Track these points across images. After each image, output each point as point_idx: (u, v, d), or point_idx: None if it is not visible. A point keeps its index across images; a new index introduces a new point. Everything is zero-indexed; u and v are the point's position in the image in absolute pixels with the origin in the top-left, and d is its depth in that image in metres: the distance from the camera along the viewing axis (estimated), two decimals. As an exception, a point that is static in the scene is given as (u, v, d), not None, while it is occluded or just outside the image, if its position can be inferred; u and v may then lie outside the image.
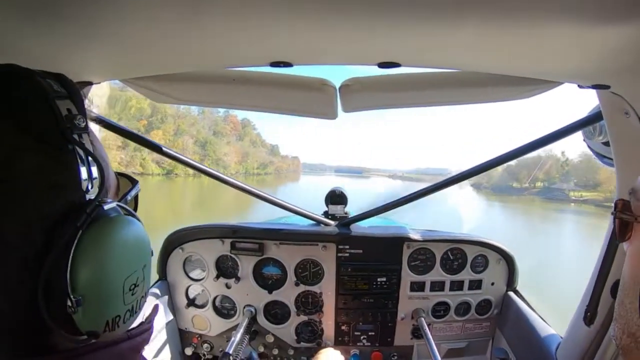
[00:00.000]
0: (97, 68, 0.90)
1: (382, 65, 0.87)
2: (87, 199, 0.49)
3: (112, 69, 0.93)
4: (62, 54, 0.79)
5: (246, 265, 1.84)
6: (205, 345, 1.94)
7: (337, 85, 1.23)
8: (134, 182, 0.64)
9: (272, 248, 1.83)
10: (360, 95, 1.25)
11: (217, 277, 1.84)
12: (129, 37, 0.75)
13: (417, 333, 1.88)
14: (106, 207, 0.51)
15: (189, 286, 1.90)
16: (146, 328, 0.59)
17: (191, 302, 1.91)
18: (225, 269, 1.88)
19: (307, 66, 0.93)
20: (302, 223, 2.00)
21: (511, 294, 1.89)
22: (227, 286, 1.86)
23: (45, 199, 0.44)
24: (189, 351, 1.94)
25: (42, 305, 0.43)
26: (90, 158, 0.50)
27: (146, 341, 0.59)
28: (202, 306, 1.91)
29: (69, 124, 0.48)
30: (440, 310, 1.88)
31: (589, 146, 1.25)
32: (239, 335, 1.68)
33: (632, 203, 0.63)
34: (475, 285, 1.88)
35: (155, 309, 0.66)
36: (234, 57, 0.89)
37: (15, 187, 0.42)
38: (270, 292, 1.85)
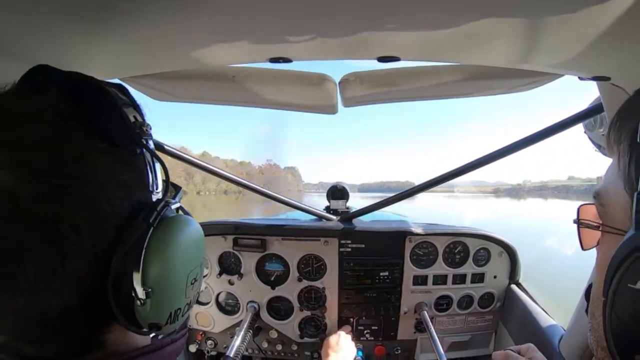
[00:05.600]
0: (96, 67, 0.89)
1: (382, 59, 0.87)
2: (155, 199, 0.53)
3: (112, 68, 0.93)
4: (60, 53, 0.79)
5: (249, 261, 1.85)
6: (209, 341, 1.95)
7: (337, 80, 1.23)
8: (177, 188, 0.66)
9: (275, 244, 1.83)
10: (361, 90, 1.25)
11: (220, 273, 1.85)
12: (128, 35, 0.75)
13: (420, 327, 1.89)
14: (173, 206, 0.55)
15: None
16: (184, 332, 0.62)
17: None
18: (228, 266, 1.89)
19: (306, 61, 0.92)
20: (304, 218, 2.00)
21: (514, 287, 1.89)
22: (230, 283, 1.87)
23: (117, 197, 0.46)
24: (193, 348, 1.96)
25: (111, 298, 0.45)
26: (155, 161, 0.55)
27: (184, 344, 0.62)
28: (205, 303, 1.92)
29: (138, 130, 0.52)
30: (443, 303, 1.89)
31: (589, 138, 1.25)
32: (242, 332, 1.69)
33: (596, 208, 0.58)
34: (478, 278, 1.88)
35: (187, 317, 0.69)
36: (232, 54, 0.88)
37: (87, 184, 0.43)
38: (273, 288, 1.85)
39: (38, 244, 0.39)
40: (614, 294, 0.43)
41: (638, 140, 0.46)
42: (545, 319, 1.57)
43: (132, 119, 0.52)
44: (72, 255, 0.42)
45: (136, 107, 0.55)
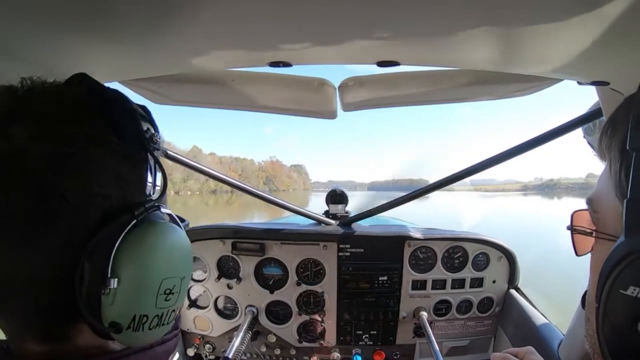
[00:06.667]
0: (96, 70, 0.89)
1: (381, 64, 0.87)
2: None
3: (111, 71, 0.93)
4: (61, 55, 0.79)
5: (247, 265, 1.85)
6: (208, 346, 1.94)
7: (337, 85, 1.23)
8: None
9: (273, 248, 1.83)
10: (360, 94, 1.25)
11: (219, 277, 1.85)
12: (128, 39, 0.75)
13: (419, 332, 1.88)
14: (163, 210, 0.56)
15: (191, 287, 1.90)
16: (176, 333, 0.63)
17: (193, 303, 1.91)
18: (226, 270, 1.88)
19: (306, 66, 0.92)
20: (303, 223, 2.00)
21: (513, 291, 1.88)
22: (229, 287, 1.86)
23: (109, 183, 0.50)
24: (191, 352, 1.95)
25: (78, 277, 0.46)
26: (157, 168, 0.58)
27: (176, 345, 0.63)
28: (204, 307, 1.91)
29: (149, 137, 0.56)
30: (442, 308, 1.88)
31: (588, 142, 1.25)
32: (240, 336, 1.68)
33: (590, 214, 0.59)
34: (477, 283, 1.88)
35: (178, 318, 0.69)
36: (232, 58, 0.89)
37: (86, 162, 0.47)
38: (271, 292, 1.85)
39: (28, 204, 0.44)
40: (606, 300, 0.44)
41: (627, 147, 0.46)
42: (544, 324, 1.57)
43: (145, 128, 0.56)
44: (55, 222, 0.45)
45: (152, 123, 0.60)
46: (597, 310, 0.46)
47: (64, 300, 0.47)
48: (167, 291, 0.54)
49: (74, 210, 0.46)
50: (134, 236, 0.50)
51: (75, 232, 0.46)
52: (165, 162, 1.61)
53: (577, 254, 0.65)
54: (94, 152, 0.48)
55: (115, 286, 0.47)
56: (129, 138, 0.53)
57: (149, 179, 0.56)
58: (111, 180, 0.50)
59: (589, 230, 0.58)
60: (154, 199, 0.56)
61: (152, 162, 0.57)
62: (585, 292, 0.62)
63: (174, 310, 0.57)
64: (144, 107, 0.60)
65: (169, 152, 1.55)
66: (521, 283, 1.94)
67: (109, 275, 0.47)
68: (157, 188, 0.58)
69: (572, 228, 0.64)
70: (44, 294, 0.47)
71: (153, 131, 0.59)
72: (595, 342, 0.51)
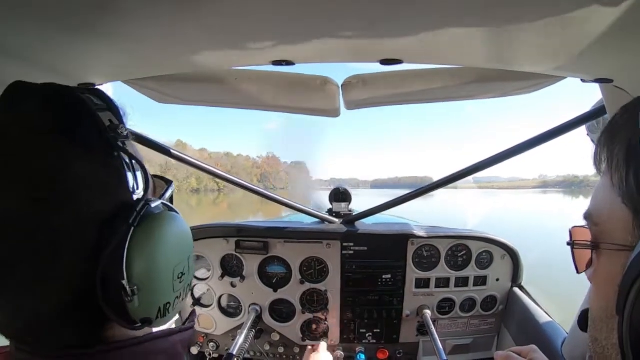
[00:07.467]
0: (99, 69, 0.90)
1: (385, 62, 0.87)
2: (135, 199, 0.55)
3: (114, 71, 0.93)
4: (63, 55, 0.79)
5: (251, 264, 1.85)
6: (211, 344, 1.95)
7: (340, 83, 1.23)
8: (168, 183, 0.69)
9: (277, 246, 1.83)
10: (363, 93, 1.25)
11: (222, 276, 1.85)
12: (131, 38, 0.75)
13: (422, 330, 1.88)
14: (153, 204, 0.56)
15: (194, 285, 1.91)
16: (192, 326, 0.65)
17: (197, 302, 1.92)
18: (230, 268, 1.89)
19: (309, 64, 0.92)
20: (307, 221, 2.00)
21: (516, 289, 1.88)
22: (233, 285, 1.87)
23: (98, 199, 0.50)
24: (194, 350, 1.96)
25: (100, 296, 0.48)
26: (134, 162, 0.56)
27: (191, 337, 0.66)
28: (207, 305, 1.92)
29: (113, 133, 0.54)
30: (445, 306, 1.88)
31: (592, 140, 1.25)
32: (244, 334, 1.69)
33: (590, 228, 0.57)
34: (480, 281, 1.87)
35: (194, 312, 0.73)
36: (235, 57, 0.89)
37: (69, 189, 0.47)
38: (275, 290, 1.85)
39: (26, 251, 0.45)
40: (632, 309, 0.40)
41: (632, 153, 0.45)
42: (548, 323, 1.57)
43: (108, 123, 0.54)
44: (58, 258, 0.46)
45: (112, 109, 0.58)
46: (619, 323, 0.42)
47: (92, 313, 0.50)
48: (180, 275, 0.57)
49: (72, 241, 0.47)
50: (136, 242, 0.51)
51: (82, 259, 0.48)
52: (143, 152, 1.50)
53: (578, 271, 0.62)
54: (71, 179, 0.48)
55: (136, 293, 0.50)
56: (97, 145, 0.52)
57: (130, 176, 0.56)
58: (99, 197, 0.50)
59: (595, 243, 0.56)
60: (140, 196, 0.56)
61: (127, 158, 0.56)
62: (583, 311, 0.60)
63: (188, 285, 0.62)
64: (96, 93, 0.58)
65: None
66: (525, 281, 1.94)
67: (127, 285, 0.49)
68: (139, 181, 0.58)
69: (573, 243, 0.62)
70: (73, 317, 0.50)
71: (117, 121, 0.56)
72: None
